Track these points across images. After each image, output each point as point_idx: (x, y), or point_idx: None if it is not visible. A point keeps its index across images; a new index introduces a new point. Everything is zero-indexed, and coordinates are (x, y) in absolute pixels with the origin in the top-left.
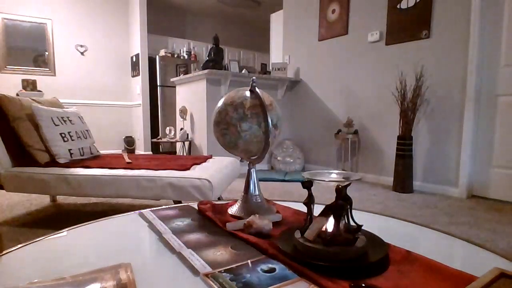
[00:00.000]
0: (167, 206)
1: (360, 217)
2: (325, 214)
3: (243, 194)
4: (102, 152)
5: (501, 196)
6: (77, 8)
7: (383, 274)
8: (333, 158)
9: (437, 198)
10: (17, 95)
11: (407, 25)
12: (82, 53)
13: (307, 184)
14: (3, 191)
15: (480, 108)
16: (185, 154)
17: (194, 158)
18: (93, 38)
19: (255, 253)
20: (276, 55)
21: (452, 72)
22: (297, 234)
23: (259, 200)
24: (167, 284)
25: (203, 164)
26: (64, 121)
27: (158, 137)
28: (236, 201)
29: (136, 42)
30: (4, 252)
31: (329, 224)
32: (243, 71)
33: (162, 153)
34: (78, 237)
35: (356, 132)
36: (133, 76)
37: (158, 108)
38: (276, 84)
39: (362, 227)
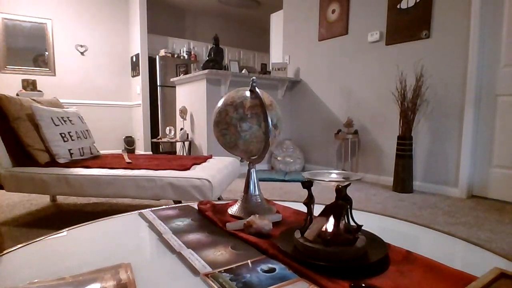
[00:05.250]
0: (167, 206)
1: (360, 217)
2: (325, 214)
3: (243, 194)
4: (102, 152)
5: (501, 196)
6: (77, 8)
7: (383, 274)
8: (333, 158)
9: (437, 198)
10: (17, 95)
11: (407, 25)
12: (82, 53)
13: (307, 184)
14: (3, 191)
15: (480, 108)
16: (185, 154)
17: (194, 158)
18: (93, 38)
19: (255, 253)
20: (276, 55)
21: (452, 72)
22: (297, 234)
23: (259, 200)
24: (167, 284)
25: (203, 164)
26: (64, 121)
27: (158, 137)
28: (236, 201)
29: (136, 42)
30: (4, 252)
31: (329, 224)
32: (243, 71)
33: (162, 153)
34: (78, 237)
35: (356, 132)
36: (133, 76)
37: (158, 108)
38: (276, 84)
39: (362, 227)
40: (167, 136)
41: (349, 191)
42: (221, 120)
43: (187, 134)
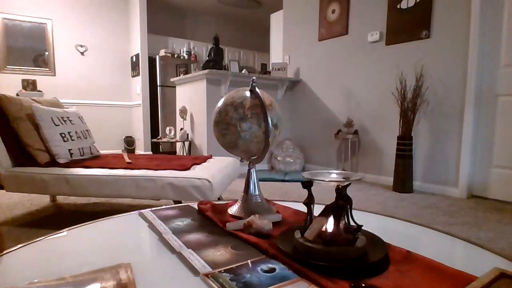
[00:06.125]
0: (167, 206)
1: (360, 217)
2: (325, 214)
3: (243, 194)
4: (102, 152)
5: (501, 196)
6: (77, 8)
7: (383, 274)
8: (333, 158)
9: (437, 198)
10: (17, 95)
11: (407, 25)
12: (82, 53)
13: (307, 184)
14: (3, 191)
15: (480, 108)
16: (185, 154)
17: (194, 158)
18: (93, 38)
19: (255, 253)
20: (276, 55)
21: (452, 72)
22: (297, 234)
23: (259, 200)
24: (167, 284)
25: (203, 164)
26: (64, 121)
27: (158, 137)
28: (236, 201)
29: (136, 42)
30: (4, 252)
31: (329, 224)
32: (243, 71)
33: (162, 153)
34: (78, 237)
35: (356, 132)
36: (133, 76)
37: (158, 108)
38: (276, 84)
39: (362, 227)
40: (167, 136)
41: (349, 191)
42: (221, 120)
43: (187, 134)
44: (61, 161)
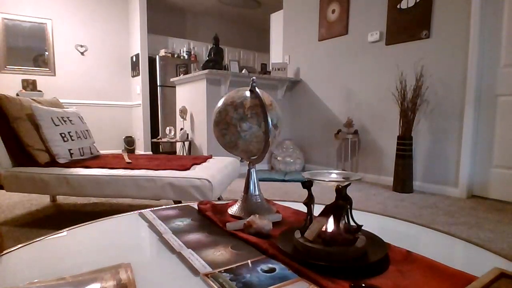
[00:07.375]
0: (167, 206)
1: (360, 217)
2: (325, 214)
3: (243, 194)
4: (102, 152)
5: (501, 196)
6: (77, 8)
7: (383, 274)
8: (333, 158)
9: (437, 198)
10: (17, 95)
11: (407, 25)
12: (82, 53)
13: (307, 184)
14: (3, 191)
15: (480, 108)
16: (185, 154)
17: (194, 158)
18: (93, 38)
19: (255, 253)
20: (276, 55)
21: (452, 72)
22: (297, 234)
23: (259, 200)
24: (167, 284)
25: (203, 164)
26: (64, 121)
27: (158, 137)
28: (236, 201)
29: (136, 42)
30: (4, 252)
31: (329, 224)
32: (243, 71)
33: (162, 153)
34: (78, 237)
35: (356, 132)
36: (133, 76)
37: (158, 108)
38: (276, 84)
39: (362, 227)
40: (167, 136)
41: (349, 191)
42: (221, 120)
43: (187, 134)
44: (61, 161)
